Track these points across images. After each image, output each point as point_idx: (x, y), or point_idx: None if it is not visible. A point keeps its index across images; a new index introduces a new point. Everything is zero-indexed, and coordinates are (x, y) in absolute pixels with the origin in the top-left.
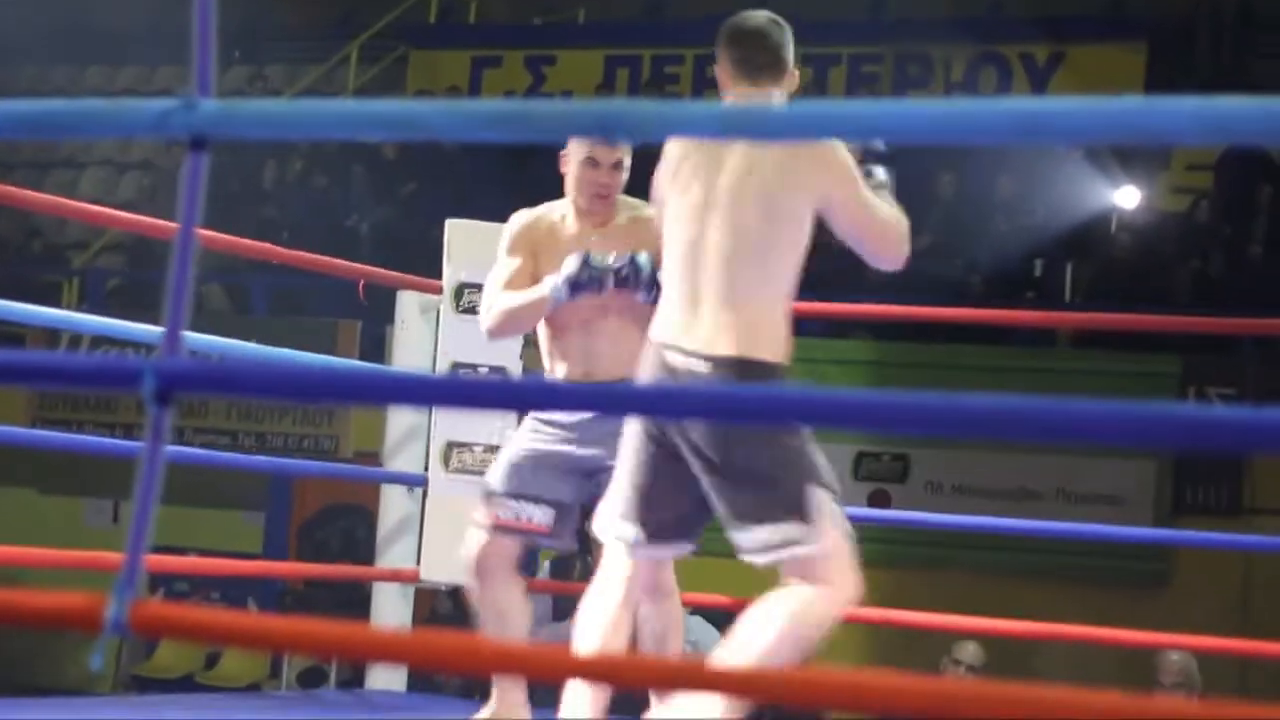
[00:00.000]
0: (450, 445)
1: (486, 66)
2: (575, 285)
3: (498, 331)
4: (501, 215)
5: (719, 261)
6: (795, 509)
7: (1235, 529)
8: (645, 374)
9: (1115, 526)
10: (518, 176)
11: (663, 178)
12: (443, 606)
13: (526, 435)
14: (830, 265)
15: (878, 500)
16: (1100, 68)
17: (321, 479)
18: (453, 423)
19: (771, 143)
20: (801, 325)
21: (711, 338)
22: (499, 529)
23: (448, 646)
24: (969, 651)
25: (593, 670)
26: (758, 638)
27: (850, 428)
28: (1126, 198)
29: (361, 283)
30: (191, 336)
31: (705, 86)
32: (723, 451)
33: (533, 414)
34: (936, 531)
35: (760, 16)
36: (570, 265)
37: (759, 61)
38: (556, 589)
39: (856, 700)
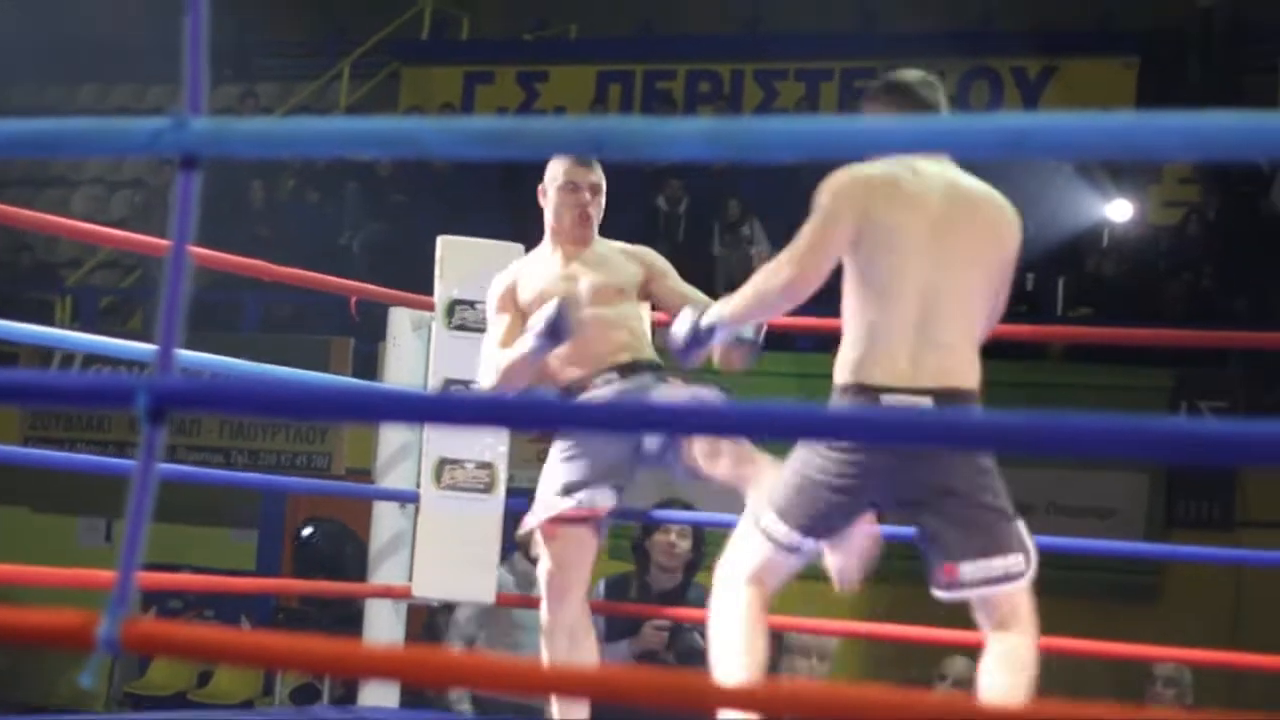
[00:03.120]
0: (442, 462)
1: (479, 83)
2: (549, 334)
3: (505, 389)
4: (495, 231)
5: (958, 304)
6: (1018, 539)
7: (1227, 543)
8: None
9: (1107, 540)
10: (511, 193)
11: (849, 206)
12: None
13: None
14: (828, 281)
15: None
16: (1092, 82)
17: (313, 496)
18: (444, 439)
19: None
20: (798, 340)
21: (948, 370)
22: (568, 522)
23: (439, 663)
24: (958, 666)
25: (596, 688)
26: (1018, 687)
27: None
28: (1118, 211)
29: (353, 300)
30: (184, 354)
31: (698, 102)
32: (968, 483)
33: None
34: None
35: (917, 74)
36: (538, 317)
37: (926, 107)
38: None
39: (848, 713)
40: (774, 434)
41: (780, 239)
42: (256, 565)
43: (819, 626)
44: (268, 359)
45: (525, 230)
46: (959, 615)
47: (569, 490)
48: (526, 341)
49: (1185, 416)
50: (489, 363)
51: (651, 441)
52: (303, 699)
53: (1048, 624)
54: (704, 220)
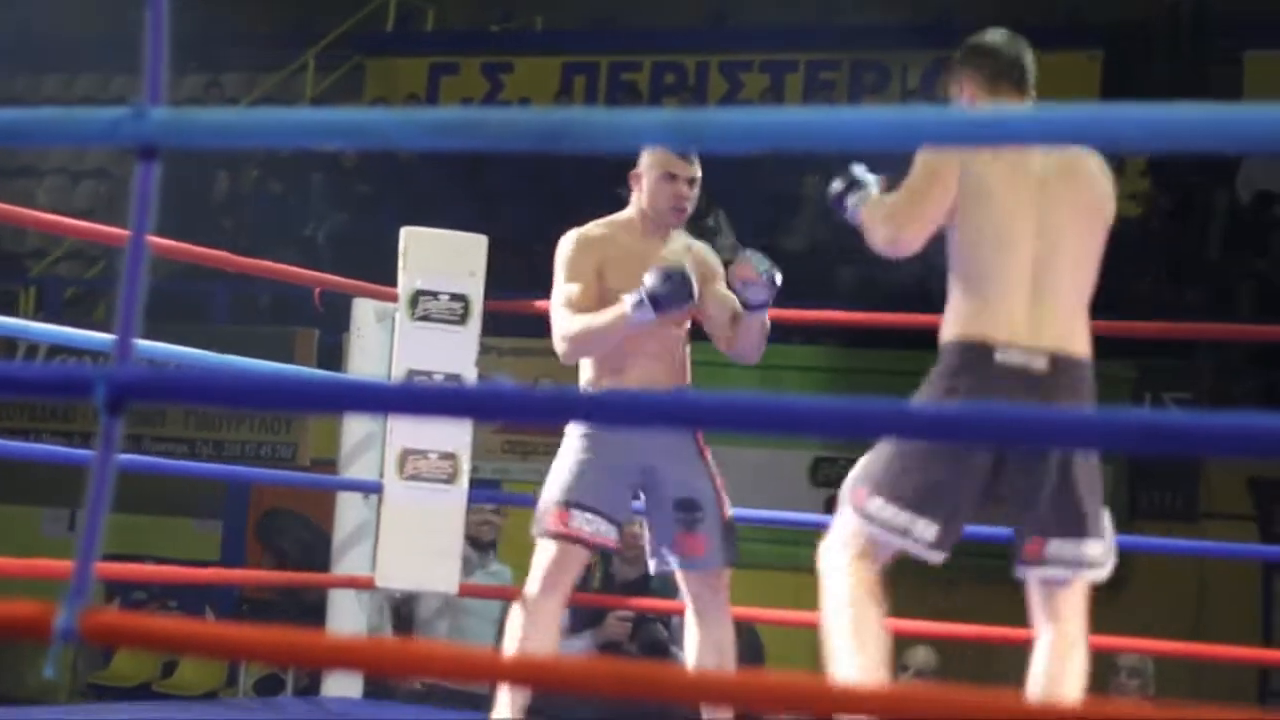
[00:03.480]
0: (405, 452)
1: (444, 74)
2: (658, 301)
3: (577, 355)
4: (457, 223)
5: (1070, 263)
6: (1106, 530)
7: (1191, 534)
8: (951, 371)
9: None
10: (475, 185)
11: (949, 161)
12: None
13: (588, 444)
14: (797, 272)
15: (836, 505)
16: (1057, 75)
17: (278, 487)
18: (408, 430)
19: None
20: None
21: (1065, 334)
22: (573, 539)
23: (403, 654)
24: (919, 657)
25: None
26: (1074, 681)
27: (810, 435)
28: None
29: (317, 291)
30: (148, 345)
31: (663, 93)
32: (1073, 456)
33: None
34: None
35: (1000, 34)
36: (651, 280)
37: (1011, 74)
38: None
39: (808, 704)
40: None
41: (746, 229)
42: (221, 556)
43: (793, 618)
44: (233, 350)
45: (489, 221)
46: (919, 606)
47: (581, 507)
48: (628, 304)
49: (1149, 408)
50: (568, 325)
51: (654, 499)
52: (267, 689)
53: (1012, 614)
54: None
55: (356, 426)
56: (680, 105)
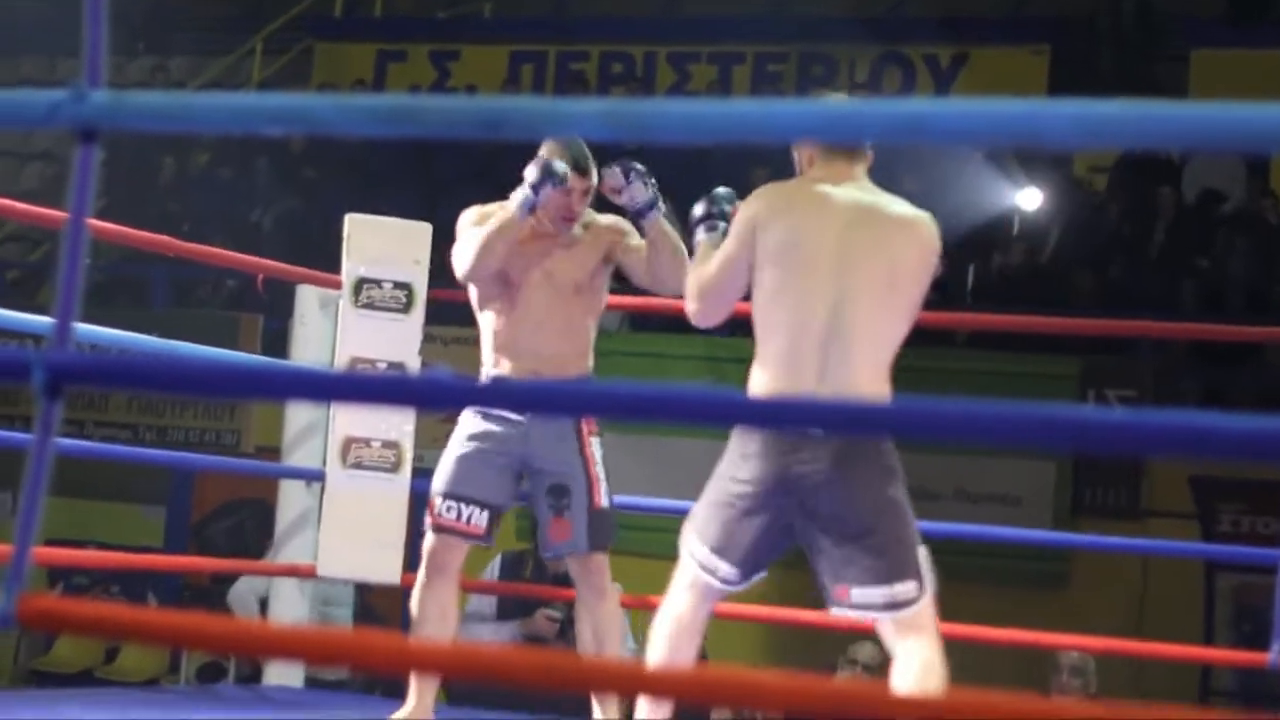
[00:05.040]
0: (349, 441)
1: (391, 61)
2: (538, 185)
3: (476, 265)
4: (405, 211)
5: (866, 316)
6: (912, 567)
7: (1133, 531)
8: (745, 432)
9: (1013, 528)
10: (423, 172)
11: (749, 224)
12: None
13: (469, 432)
14: None
15: None
16: (1003, 70)
17: (222, 474)
18: (351, 418)
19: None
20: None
21: (854, 384)
22: (442, 529)
23: (343, 644)
24: (865, 651)
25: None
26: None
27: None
28: (1028, 199)
29: (260, 277)
30: (89, 329)
31: (610, 83)
32: (850, 510)
33: (475, 411)
34: None
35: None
36: (530, 170)
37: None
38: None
39: (753, 699)
40: (680, 417)
41: (689, 222)
42: (164, 542)
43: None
44: (177, 335)
45: (436, 208)
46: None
47: (451, 497)
48: (516, 195)
49: (1092, 405)
50: (469, 242)
51: (533, 487)
52: (209, 677)
53: (954, 610)
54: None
55: (300, 414)
56: (628, 95)
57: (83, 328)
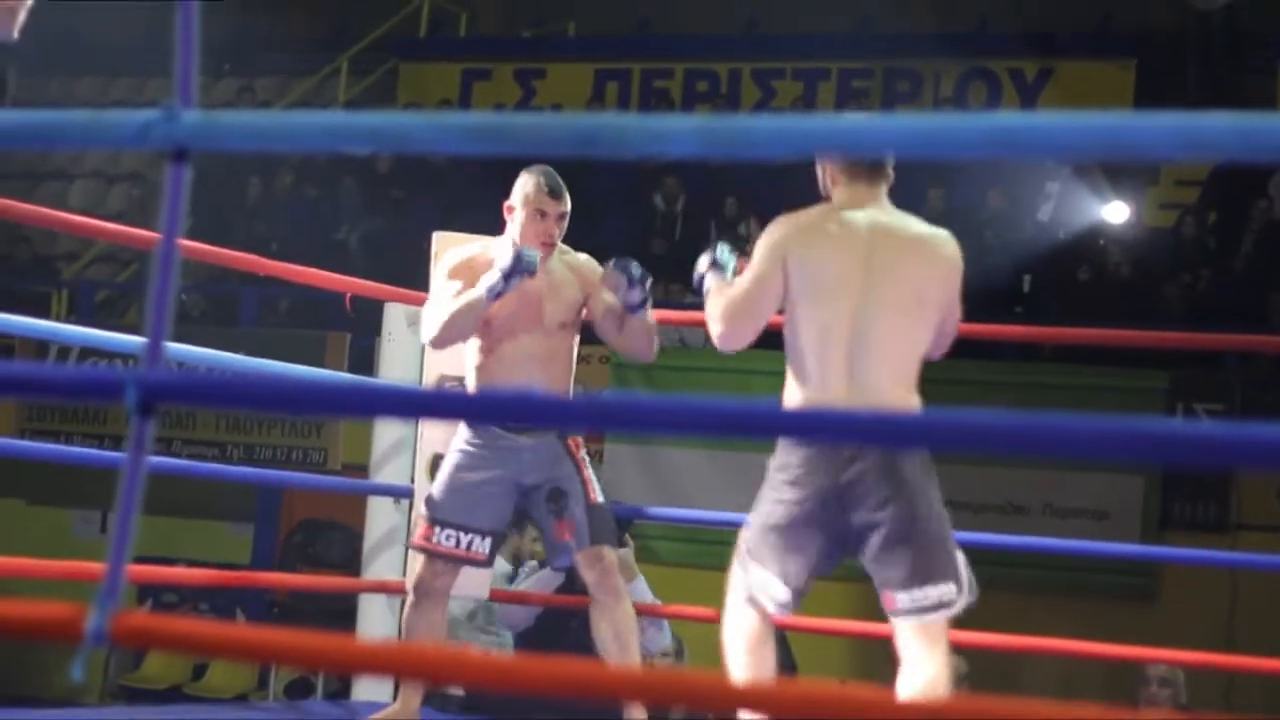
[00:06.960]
0: (436, 457)
1: (477, 80)
2: (509, 274)
3: (440, 339)
4: (489, 228)
5: (884, 345)
6: (954, 569)
7: (1222, 545)
8: (785, 455)
9: (1102, 542)
10: (507, 190)
11: (776, 253)
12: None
13: (466, 457)
14: None
15: None
16: (1089, 84)
17: (310, 491)
18: (439, 435)
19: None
20: (776, 339)
21: (882, 402)
22: (439, 555)
23: (433, 659)
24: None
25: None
26: None
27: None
28: (1115, 213)
29: (348, 295)
30: (179, 348)
31: (695, 101)
32: (901, 513)
33: (472, 434)
34: None
35: None
36: (503, 258)
37: (865, 164)
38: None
39: (841, 713)
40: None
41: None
42: (252, 559)
43: (806, 624)
44: (265, 354)
45: None
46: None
47: (446, 524)
48: (487, 279)
49: (1181, 418)
50: (435, 314)
51: (531, 502)
52: (297, 693)
53: (1043, 624)
54: (701, 219)
55: (388, 431)
56: (713, 112)
57: (172, 346)
